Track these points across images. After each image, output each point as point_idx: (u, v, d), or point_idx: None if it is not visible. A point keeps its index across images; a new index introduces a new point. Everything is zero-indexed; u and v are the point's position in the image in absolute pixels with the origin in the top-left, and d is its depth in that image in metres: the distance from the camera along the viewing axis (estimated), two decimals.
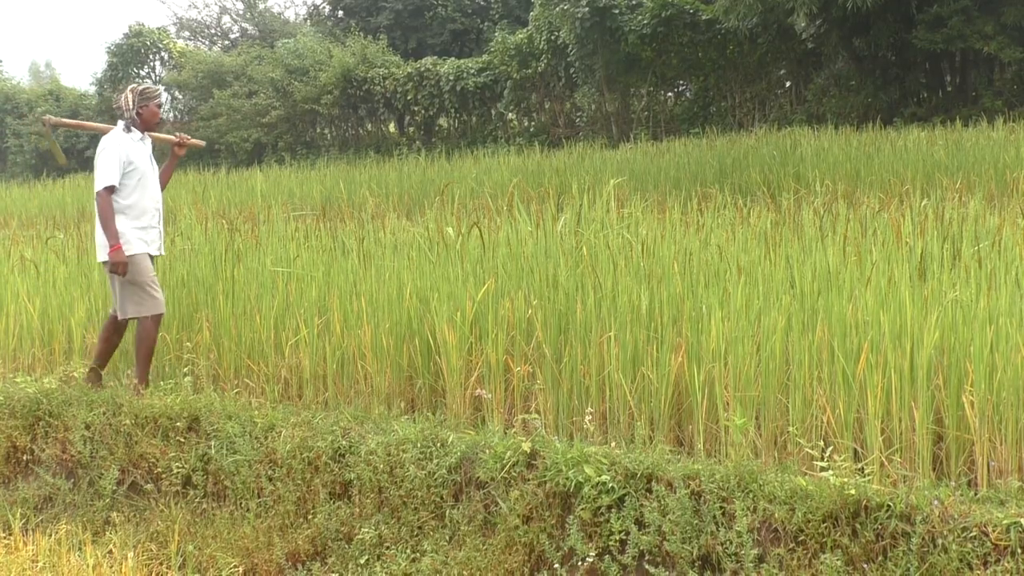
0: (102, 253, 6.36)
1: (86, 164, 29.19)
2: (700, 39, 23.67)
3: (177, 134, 7.09)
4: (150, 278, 6.37)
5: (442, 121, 29.37)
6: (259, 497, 5.38)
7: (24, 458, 6.26)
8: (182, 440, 5.75)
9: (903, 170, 11.84)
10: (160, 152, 6.95)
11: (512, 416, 5.50)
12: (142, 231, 6.41)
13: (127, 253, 6.27)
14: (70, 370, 6.91)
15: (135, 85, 6.68)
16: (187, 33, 43.83)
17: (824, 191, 10.05)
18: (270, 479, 5.38)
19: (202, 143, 7.48)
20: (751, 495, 4.19)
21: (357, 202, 14.05)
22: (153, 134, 6.76)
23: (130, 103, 6.49)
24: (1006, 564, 3.69)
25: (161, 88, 6.68)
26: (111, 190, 6.33)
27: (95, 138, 31.52)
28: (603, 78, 24.25)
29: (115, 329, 6.57)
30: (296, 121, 30.29)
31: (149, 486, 5.74)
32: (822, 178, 11.09)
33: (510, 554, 4.61)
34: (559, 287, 5.69)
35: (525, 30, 26.61)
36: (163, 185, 6.75)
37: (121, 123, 6.53)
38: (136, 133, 6.52)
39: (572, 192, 7.46)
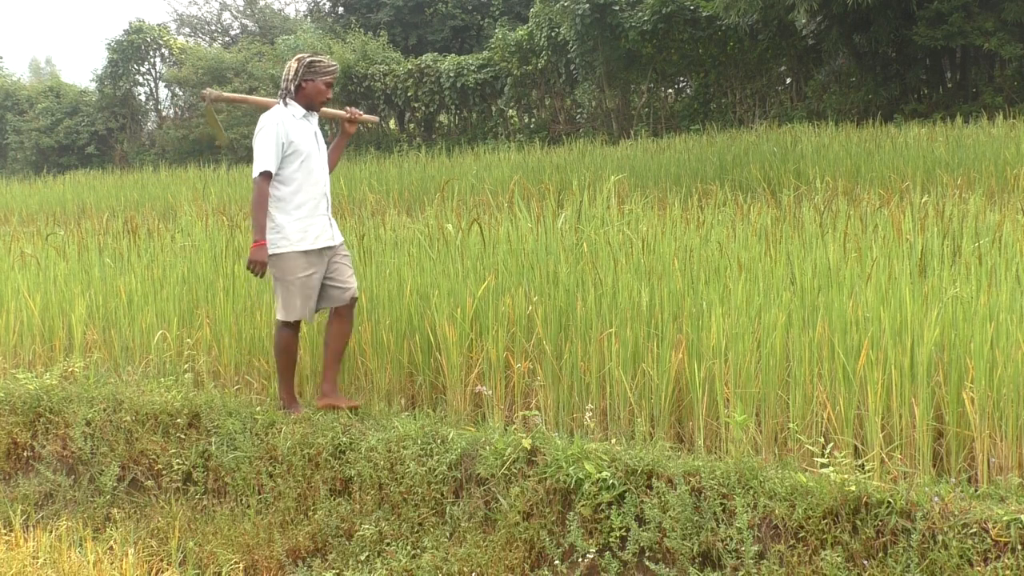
0: (272, 246, 5.51)
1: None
2: (700, 35, 23.67)
3: (348, 108, 6.05)
4: (299, 279, 5.51)
5: (442, 118, 29.36)
6: (259, 494, 5.38)
7: (25, 454, 6.27)
8: (182, 436, 5.75)
9: (903, 167, 11.83)
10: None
11: (512, 413, 5.50)
12: (301, 223, 5.53)
13: (280, 250, 5.48)
14: (70, 366, 6.91)
15: (303, 55, 5.65)
16: (187, 29, 43.93)
17: (824, 187, 10.04)
18: (270, 475, 5.39)
19: (376, 118, 6.55)
20: (751, 491, 4.19)
21: (357, 198, 14.04)
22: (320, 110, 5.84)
23: (291, 73, 5.55)
24: (1006, 560, 3.69)
25: (336, 65, 5.84)
26: (268, 176, 5.46)
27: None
28: (603, 74, 24.24)
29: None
30: None
31: (149, 482, 5.74)
32: (822, 175, 11.08)
33: (510, 550, 4.61)
34: (559, 284, 5.69)
35: (525, 26, 26.60)
36: (331, 167, 5.95)
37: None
38: (297, 109, 5.58)
39: (572, 189, 7.45)
